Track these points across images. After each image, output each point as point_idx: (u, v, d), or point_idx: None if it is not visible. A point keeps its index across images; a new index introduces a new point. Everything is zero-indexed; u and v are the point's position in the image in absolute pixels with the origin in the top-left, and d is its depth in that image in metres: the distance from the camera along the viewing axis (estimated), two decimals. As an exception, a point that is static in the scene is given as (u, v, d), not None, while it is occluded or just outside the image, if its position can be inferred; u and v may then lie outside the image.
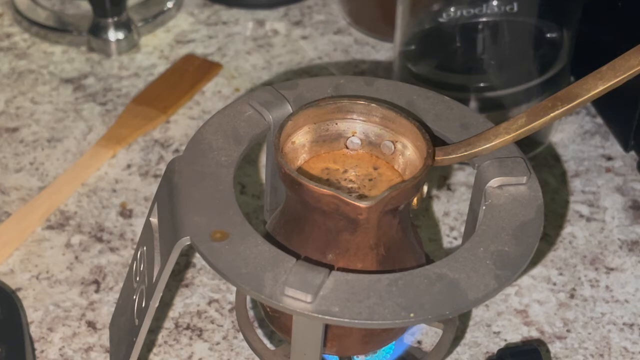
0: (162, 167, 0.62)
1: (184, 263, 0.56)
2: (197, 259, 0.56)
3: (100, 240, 0.57)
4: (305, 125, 0.44)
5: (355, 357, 0.46)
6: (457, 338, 0.52)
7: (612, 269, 0.56)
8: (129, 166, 0.63)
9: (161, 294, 0.42)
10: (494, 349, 0.52)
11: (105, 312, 0.53)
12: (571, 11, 0.61)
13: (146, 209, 0.59)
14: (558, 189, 0.61)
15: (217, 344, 0.52)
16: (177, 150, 0.64)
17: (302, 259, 0.39)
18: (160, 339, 0.52)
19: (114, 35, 0.72)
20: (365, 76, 0.50)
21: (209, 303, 0.54)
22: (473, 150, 0.43)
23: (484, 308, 0.54)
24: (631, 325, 0.53)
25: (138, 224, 0.58)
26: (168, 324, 0.53)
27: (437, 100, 0.47)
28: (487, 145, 0.42)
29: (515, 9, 0.59)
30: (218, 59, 0.72)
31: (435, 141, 0.43)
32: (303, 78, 0.48)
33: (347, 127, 0.44)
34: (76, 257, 0.56)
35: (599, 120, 0.66)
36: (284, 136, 0.42)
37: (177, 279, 0.55)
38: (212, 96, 0.69)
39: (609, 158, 0.64)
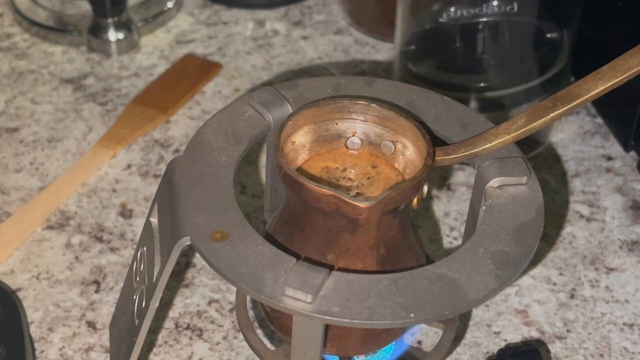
0: (162, 167, 0.62)
1: (184, 263, 0.56)
2: (197, 259, 0.56)
3: (100, 240, 0.57)
4: (305, 125, 0.44)
5: (355, 357, 0.46)
6: (457, 338, 0.52)
7: (612, 269, 0.56)
8: (129, 166, 0.63)
9: (161, 294, 0.42)
10: (494, 349, 0.52)
11: (105, 312, 0.53)
12: (571, 11, 0.61)
13: (146, 209, 0.59)
14: (558, 189, 0.61)
15: (217, 344, 0.52)
16: (177, 150, 0.64)
17: (302, 259, 0.39)
18: (160, 339, 0.52)
19: (114, 35, 0.72)
20: (365, 76, 0.50)
21: (209, 303, 0.54)
22: (473, 150, 0.43)
23: (484, 308, 0.54)
24: (631, 326, 0.53)
25: (138, 224, 0.58)
26: (168, 324, 0.53)
27: (437, 100, 0.47)
28: (487, 146, 0.42)
29: (515, 9, 0.59)
30: (218, 59, 0.72)
31: (435, 141, 0.43)
32: (303, 78, 0.48)
33: (347, 127, 0.44)
34: (76, 257, 0.56)
35: (599, 120, 0.66)
36: (284, 136, 0.42)
37: (177, 279, 0.55)
38: (212, 96, 0.69)
39: (609, 158, 0.64)
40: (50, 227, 0.58)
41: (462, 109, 0.46)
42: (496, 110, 0.61)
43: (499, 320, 0.53)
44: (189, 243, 0.40)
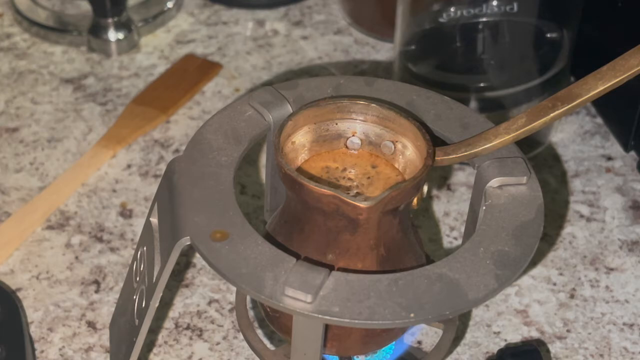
0: (162, 167, 0.62)
1: (184, 263, 0.56)
2: (197, 259, 0.56)
3: (100, 240, 0.57)
4: (305, 125, 0.44)
5: (355, 357, 0.46)
6: (457, 338, 0.52)
7: (612, 269, 0.56)
8: (129, 166, 0.63)
9: (161, 294, 0.42)
10: (494, 349, 0.52)
11: (105, 312, 0.53)
12: (571, 11, 0.61)
13: (146, 209, 0.59)
14: (558, 189, 0.61)
15: (217, 344, 0.52)
16: (177, 150, 0.64)
17: (302, 259, 0.39)
18: (160, 339, 0.52)
19: (114, 35, 0.72)
20: (365, 76, 0.50)
21: (209, 303, 0.54)
22: (473, 150, 0.43)
23: (484, 308, 0.54)
24: (631, 326, 0.53)
25: (138, 224, 0.58)
26: (168, 324, 0.53)
27: (437, 100, 0.47)
28: (487, 145, 0.42)
29: (515, 9, 0.59)
30: (218, 59, 0.72)
31: (435, 141, 0.43)
32: (303, 78, 0.48)
33: (347, 127, 0.44)
34: (76, 257, 0.56)
35: (599, 120, 0.66)
36: (284, 136, 0.42)
37: (177, 279, 0.55)
38: (212, 96, 0.69)
39: (609, 158, 0.64)
40: (50, 227, 0.58)
41: (462, 109, 0.46)
42: (496, 110, 0.61)
43: (499, 320, 0.53)
44: (189, 243, 0.40)
